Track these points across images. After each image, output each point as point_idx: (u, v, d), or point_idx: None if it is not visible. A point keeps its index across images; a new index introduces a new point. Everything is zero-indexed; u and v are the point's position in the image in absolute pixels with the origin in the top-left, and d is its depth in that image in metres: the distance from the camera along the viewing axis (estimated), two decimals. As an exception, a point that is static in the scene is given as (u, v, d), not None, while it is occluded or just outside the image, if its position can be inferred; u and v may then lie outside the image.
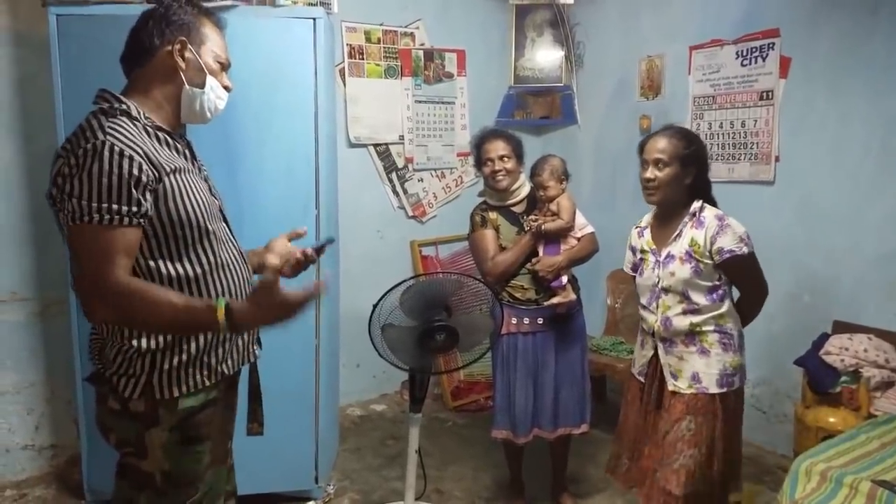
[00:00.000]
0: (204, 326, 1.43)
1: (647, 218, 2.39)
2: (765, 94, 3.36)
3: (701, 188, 2.25)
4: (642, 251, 2.34)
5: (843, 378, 2.78)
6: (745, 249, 2.14)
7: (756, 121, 3.41)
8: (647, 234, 2.34)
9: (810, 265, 3.24)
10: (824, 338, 2.98)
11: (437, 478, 3.18)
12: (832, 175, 3.14)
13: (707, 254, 2.14)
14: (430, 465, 3.06)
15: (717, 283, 2.19)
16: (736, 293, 2.30)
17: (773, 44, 3.30)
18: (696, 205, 2.20)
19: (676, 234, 2.21)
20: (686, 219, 2.21)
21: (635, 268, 2.41)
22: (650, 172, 2.20)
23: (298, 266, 1.83)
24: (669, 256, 2.21)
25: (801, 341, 3.09)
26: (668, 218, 2.27)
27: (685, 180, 2.20)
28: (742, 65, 3.44)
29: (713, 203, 2.27)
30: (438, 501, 2.98)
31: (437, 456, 3.42)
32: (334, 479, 3.18)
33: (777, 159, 3.34)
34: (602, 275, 3.97)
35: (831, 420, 2.72)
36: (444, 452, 3.48)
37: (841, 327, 3.02)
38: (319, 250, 1.87)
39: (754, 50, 3.39)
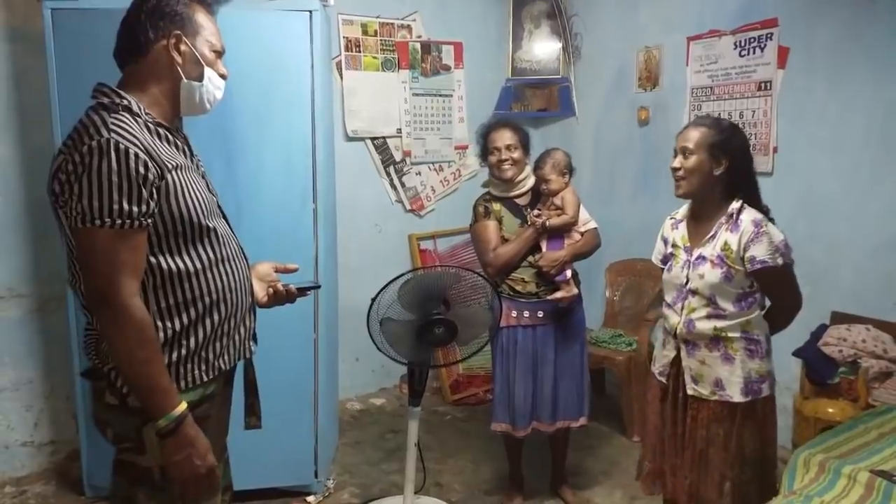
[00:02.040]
0: (151, 400, 1.38)
1: (683, 210, 2.27)
2: (763, 85, 3.35)
3: (740, 184, 2.10)
4: (674, 245, 2.21)
5: (842, 369, 2.79)
6: (780, 261, 2.00)
7: (754, 112, 3.40)
8: (683, 228, 2.20)
9: (809, 256, 3.22)
10: (823, 329, 2.99)
11: (437, 471, 3.19)
12: (831, 165, 3.13)
13: (739, 260, 2.02)
14: (429, 459, 3.06)
15: (749, 290, 2.07)
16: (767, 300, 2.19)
17: (772, 34, 3.29)
18: (736, 205, 2.07)
19: (711, 234, 2.08)
20: (723, 220, 2.07)
21: (665, 260, 2.28)
22: (677, 161, 2.09)
23: (276, 298, 1.79)
24: (701, 258, 2.09)
25: (799, 332, 3.08)
26: (702, 215, 2.14)
27: (714, 171, 2.06)
28: (740, 55, 3.43)
29: (758, 202, 2.13)
30: (438, 494, 2.98)
31: (437, 449, 3.42)
32: (334, 473, 3.19)
33: (775, 150, 3.33)
34: (601, 267, 3.97)
35: (830, 411, 2.73)
36: (444, 446, 3.49)
37: (839, 318, 3.02)
38: (302, 292, 1.82)
39: (752, 40, 3.37)
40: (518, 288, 2.70)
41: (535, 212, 2.69)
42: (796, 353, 3.01)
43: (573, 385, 2.77)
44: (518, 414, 2.73)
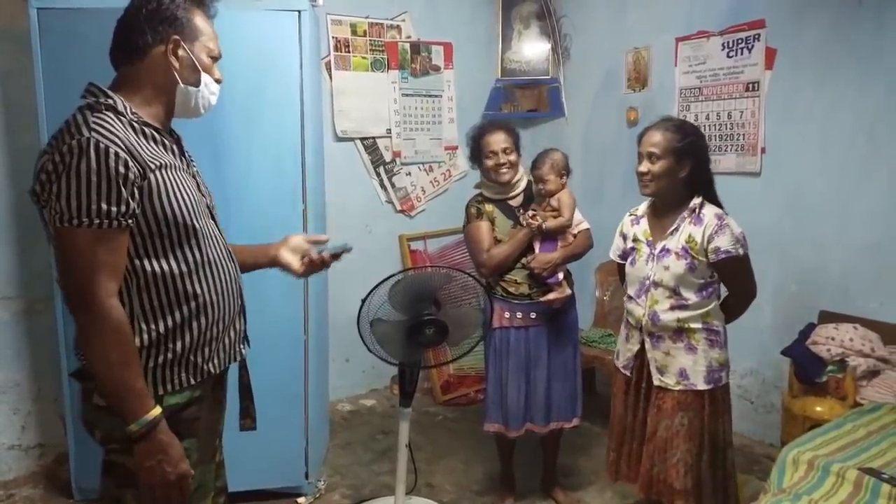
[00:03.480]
0: (124, 404, 1.36)
1: (643, 207, 2.38)
2: (750, 86, 3.37)
3: (700, 182, 2.23)
4: (635, 240, 2.33)
5: (830, 367, 2.81)
6: (741, 251, 2.15)
7: (742, 112, 3.42)
8: (644, 223, 2.33)
9: (797, 256, 3.26)
10: (811, 328, 3.01)
11: (428, 472, 3.18)
12: (819, 165, 3.16)
13: (703, 252, 2.15)
14: (420, 459, 3.06)
15: (710, 279, 2.20)
16: (724, 291, 2.31)
17: (759, 35, 3.31)
18: (696, 201, 2.20)
19: (674, 228, 2.21)
20: (685, 214, 2.20)
21: (624, 255, 2.40)
22: (644, 166, 2.20)
23: (312, 267, 1.84)
24: (665, 250, 2.21)
25: (788, 331, 3.11)
26: (665, 211, 2.27)
27: (679, 174, 2.19)
28: (728, 56, 3.45)
29: (715, 198, 2.26)
30: (429, 495, 2.98)
31: (428, 450, 3.42)
32: (325, 474, 3.18)
33: (763, 150, 3.35)
34: (591, 267, 3.97)
35: (818, 409, 2.75)
36: (435, 446, 3.48)
37: (827, 317, 3.04)
38: (336, 256, 1.87)
39: (740, 41, 3.39)
40: (511, 289, 2.70)
41: (531, 213, 2.68)
42: (785, 352, 3.03)
43: (566, 386, 2.77)
44: (511, 415, 2.73)
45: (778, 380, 3.28)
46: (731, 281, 2.25)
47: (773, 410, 3.33)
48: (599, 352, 3.62)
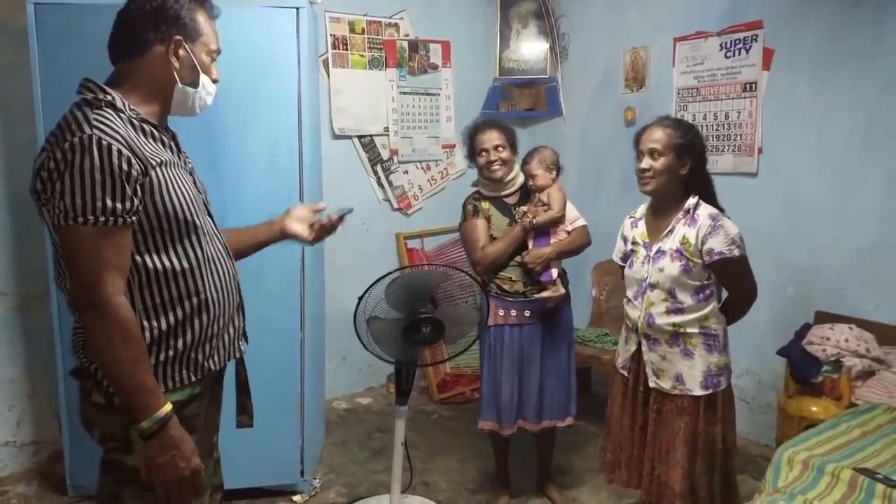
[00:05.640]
0: (135, 401, 1.36)
1: (641, 209, 2.37)
2: (748, 86, 3.38)
3: (698, 182, 2.22)
4: (634, 243, 2.32)
5: (825, 368, 2.82)
6: (737, 252, 2.11)
7: (739, 112, 3.43)
8: (642, 225, 2.31)
9: (793, 256, 3.26)
10: (806, 328, 3.01)
11: (424, 470, 3.19)
12: (815, 166, 3.17)
13: (697, 253, 2.12)
14: (416, 458, 3.06)
15: (706, 282, 2.17)
16: (723, 293, 2.29)
17: (757, 36, 3.31)
18: (692, 201, 2.18)
19: (669, 229, 2.19)
20: (680, 215, 2.18)
21: (625, 258, 2.39)
22: (645, 162, 2.18)
23: (323, 231, 1.87)
24: (660, 252, 2.19)
25: (784, 332, 3.12)
26: (662, 211, 2.25)
27: (680, 171, 2.17)
28: (726, 57, 3.46)
29: (714, 198, 2.24)
30: (425, 493, 2.98)
31: (424, 448, 3.42)
32: (320, 472, 3.18)
33: (760, 151, 3.36)
34: (587, 266, 3.98)
35: (813, 409, 2.76)
36: (431, 445, 3.49)
37: (823, 318, 3.05)
38: (341, 218, 1.90)
39: (738, 42, 3.40)
40: (505, 287, 2.70)
41: (522, 209, 2.70)
42: (781, 352, 3.04)
43: (559, 385, 2.78)
44: (504, 412, 2.73)
45: (774, 380, 3.29)
46: (728, 283, 2.21)
47: (768, 410, 3.34)
48: (595, 351, 3.62)
